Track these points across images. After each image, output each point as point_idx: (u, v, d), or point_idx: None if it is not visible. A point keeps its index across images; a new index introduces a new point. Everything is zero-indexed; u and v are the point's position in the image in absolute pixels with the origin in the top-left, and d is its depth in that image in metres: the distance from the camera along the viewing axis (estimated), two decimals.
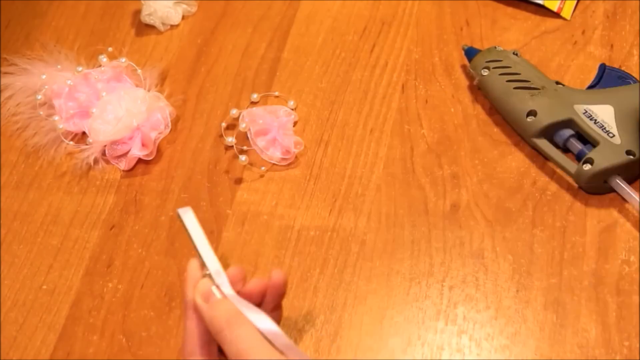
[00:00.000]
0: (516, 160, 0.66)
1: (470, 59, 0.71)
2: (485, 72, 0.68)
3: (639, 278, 0.59)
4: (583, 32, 0.73)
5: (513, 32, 0.74)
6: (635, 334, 0.56)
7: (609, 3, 0.75)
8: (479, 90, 0.70)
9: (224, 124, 0.72)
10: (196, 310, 0.50)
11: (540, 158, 0.66)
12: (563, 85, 0.67)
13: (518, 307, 0.59)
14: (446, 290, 0.60)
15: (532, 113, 0.65)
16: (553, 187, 0.64)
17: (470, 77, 0.71)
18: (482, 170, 0.66)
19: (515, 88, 0.66)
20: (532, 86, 0.66)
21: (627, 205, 0.62)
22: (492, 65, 0.68)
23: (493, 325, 0.58)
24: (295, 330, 0.60)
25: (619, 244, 0.61)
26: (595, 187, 0.63)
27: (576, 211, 0.63)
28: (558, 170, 0.65)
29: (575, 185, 0.64)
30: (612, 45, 0.72)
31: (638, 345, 0.56)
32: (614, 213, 0.62)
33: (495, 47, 0.70)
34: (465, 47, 0.72)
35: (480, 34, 0.75)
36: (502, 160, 0.67)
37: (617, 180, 0.61)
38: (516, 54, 0.69)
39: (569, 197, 0.64)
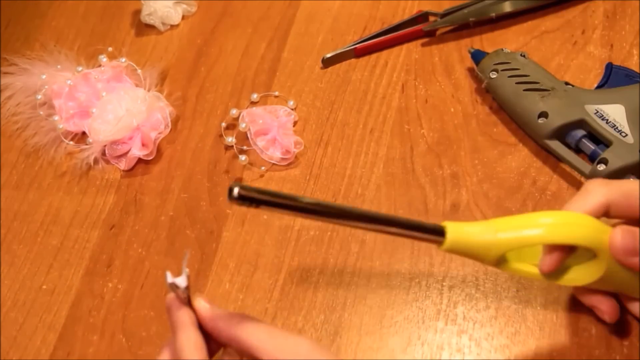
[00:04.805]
0: (516, 160, 0.66)
1: (477, 62, 0.71)
2: (493, 75, 0.68)
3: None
4: (583, 32, 0.73)
5: (513, 32, 0.74)
6: (635, 334, 0.56)
7: (609, 3, 0.75)
8: (487, 93, 0.70)
9: (223, 124, 0.72)
10: (196, 325, 0.50)
11: (540, 158, 0.66)
12: (572, 85, 0.67)
13: (518, 306, 0.59)
14: (446, 289, 0.60)
15: (543, 114, 0.65)
16: (553, 187, 0.64)
17: (477, 80, 0.71)
18: (482, 170, 0.66)
19: (525, 90, 0.66)
20: (542, 87, 0.66)
21: None
22: (500, 67, 0.68)
23: (493, 324, 0.58)
24: (296, 330, 0.60)
25: None
26: None
27: None
28: (558, 170, 0.65)
29: (584, 179, 0.64)
30: (612, 45, 0.72)
31: (638, 345, 0.56)
32: None
33: (502, 49, 0.70)
34: (472, 50, 0.72)
35: (480, 34, 0.75)
36: (502, 160, 0.67)
37: (632, 179, 0.61)
38: (524, 56, 0.69)
39: (569, 196, 0.63)
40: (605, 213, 0.52)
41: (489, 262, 0.51)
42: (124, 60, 0.75)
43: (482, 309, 0.59)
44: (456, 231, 0.50)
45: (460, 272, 0.61)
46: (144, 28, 0.81)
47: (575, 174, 0.64)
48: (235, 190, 0.44)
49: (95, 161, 0.71)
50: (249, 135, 0.70)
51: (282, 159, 0.69)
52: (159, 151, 0.72)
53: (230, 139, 0.70)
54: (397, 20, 0.76)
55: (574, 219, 0.50)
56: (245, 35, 0.79)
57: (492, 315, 0.59)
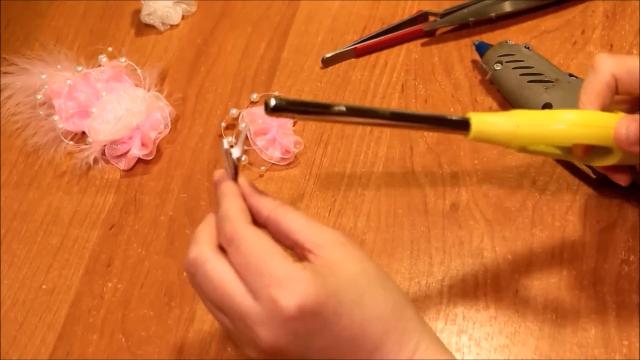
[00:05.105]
0: (515, 159, 0.66)
1: (481, 54, 0.71)
2: (498, 67, 0.68)
3: (638, 277, 0.59)
4: (582, 32, 0.73)
5: (513, 32, 0.74)
6: (635, 334, 0.56)
7: (609, 3, 0.75)
8: (491, 84, 0.70)
9: (223, 124, 0.72)
10: (238, 194, 0.50)
11: (539, 157, 0.66)
12: (576, 77, 0.67)
13: (517, 306, 0.59)
14: (445, 289, 0.60)
15: (547, 106, 0.65)
16: (552, 186, 0.64)
17: (482, 71, 0.71)
18: (481, 170, 0.66)
19: (529, 81, 0.66)
20: (545, 79, 0.66)
21: (626, 205, 0.62)
22: (504, 59, 0.68)
23: (492, 324, 0.58)
24: None
25: (618, 244, 0.61)
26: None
27: (575, 211, 0.63)
28: (558, 170, 0.65)
29: (584, 179, 0.64)
30: (611, 45, 0.72)
31: (637, 345, 0.56)
32: (614, 213, 0.62)
33: (507, 41, 0.70)
34: (477, 42, 0.72)
35: (480, 34, 0.75)
36: (501, 160, 0.67)
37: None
38: (528, 48, 0.69)
39: (569, 196, 0.64)
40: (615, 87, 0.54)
41: (513, 149, 0.54)
42: (123, 60, 0.75)
43: (481, 308, 0.59)
44: (480, 122, 0.53)
45: (460, 271, 0.61)
46: (143, 28, 0.81)
47: (575, 174, 0.65)
48: (271, 103, 0.46)
49: (95, 161, 0.71)
50: (248, 135, 0.70)
51: (282, 158, 0.69)
52: (158, 151, 0.72)
53: (230, 139, 0.70)
54: (397, 20, 0.76)
55: (589, 120, 0.54)
56: (244, 35, 0.79)
57: (492, 315, 0.59)
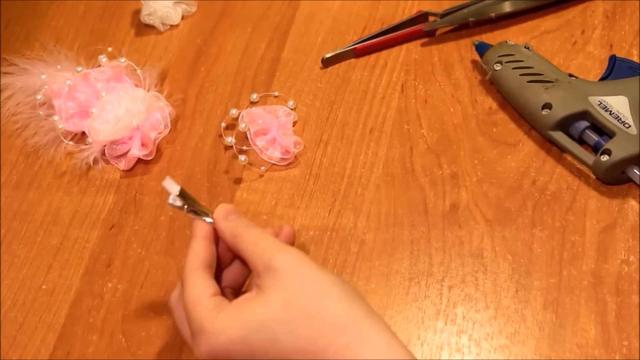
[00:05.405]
0: (515, 160, 0.66)
1: (481, 54, 0.71)
2: (497, 67, 0.69)
3: (638, 278, 0.59)
4: (582, 32, 0.73)
5: (513, 32, 0.74)
6: (635, 334, 0.56)
7: (609, 3, 0.75)
8: (491, 85, 0.70)
9: (223, 124, 0.72)
10: (206, 237, 0.54)
11: (539, 158, 0.66)
12: (576, 77, 0.67)
13: (517, 306, 0.59)
14: (445, 289, 0.60)
15: (547, 106, 0.65)
16: (552, 186, 0.64)
17: (482, 72, 0.71)
18: (481, 170, 0.66)
19: (529, 82, 0.67)
20: (545, 79, 0.66)
21: (626, 205, 0.62)
22: (504, 59, 0.69)
23: (492, 324, 0.58)
24: None
25: (618, 244, 0.61)
26: (612, 178, 0.63)
27: (575, 211, 0.63)
28: (558, 170, 0.65)
29: (584, 179, 0.64)
30: (611, 45, 0.72)
31: (637, 345, 0.56)
32: (614, 213, 0.62)
33: (507, 42, 0.70)
34: (476, 42, 0.72)
35: (479, 34, 0.75)
36: (501, 160, 0.67)
37: (635, 170, 0.62)
38: (528, 48, 0.69)
39: (569, 196, 0.64)
40: None
41: None
42: (123, 60, 0.75)
43: (481, 309, 0.59)
44: None
45: (459, 272, 0.61)
46: (143, 28, 0.81)
47: (575, 174, 0.65)
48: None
49: (95, 161, 0.71)
50: (248, 136, 0.70)
51: (282, 159, 0.69)
52: (158, 151, 0.72)
53: (230, 139, 0.70)
54: (396, 20, 0.76)
55: None
56: (244, 35, 0.79)
57: (492, 315, 0.59)
